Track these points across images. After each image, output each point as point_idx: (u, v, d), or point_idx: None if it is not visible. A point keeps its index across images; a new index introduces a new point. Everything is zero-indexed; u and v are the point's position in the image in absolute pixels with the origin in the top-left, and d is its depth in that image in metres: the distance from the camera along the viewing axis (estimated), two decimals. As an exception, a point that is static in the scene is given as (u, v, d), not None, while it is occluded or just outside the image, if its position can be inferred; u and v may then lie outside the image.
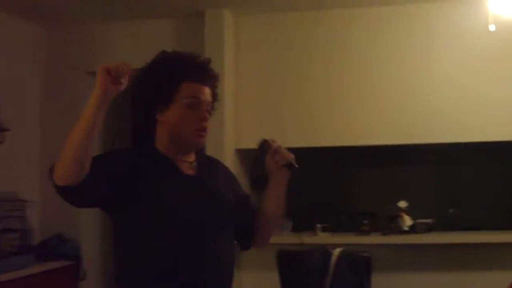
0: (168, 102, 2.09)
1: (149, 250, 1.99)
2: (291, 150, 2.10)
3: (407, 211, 4.60)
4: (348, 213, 5.30)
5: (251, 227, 2.21)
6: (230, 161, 4.66)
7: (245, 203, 2.24)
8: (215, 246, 2.05)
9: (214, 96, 2.19)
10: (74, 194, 1.86)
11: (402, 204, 4.57)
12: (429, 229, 4.60)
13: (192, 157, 2.19)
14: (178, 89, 2.09)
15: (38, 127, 5.20)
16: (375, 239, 4.53)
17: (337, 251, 3.92)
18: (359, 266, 3.83)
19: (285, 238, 4.72)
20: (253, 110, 5.01)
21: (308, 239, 4.66)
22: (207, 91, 2.15)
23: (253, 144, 2.12)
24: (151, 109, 2.11)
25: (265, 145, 2.10)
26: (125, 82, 1.85)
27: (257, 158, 2.12)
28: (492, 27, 3.90)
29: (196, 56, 2.20)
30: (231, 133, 4.88)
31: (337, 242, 4.33)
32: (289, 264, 3.88)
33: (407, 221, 4.55)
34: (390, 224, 4.66)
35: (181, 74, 2.11)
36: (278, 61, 5.04)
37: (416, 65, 4.81)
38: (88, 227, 5.18)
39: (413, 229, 4.56)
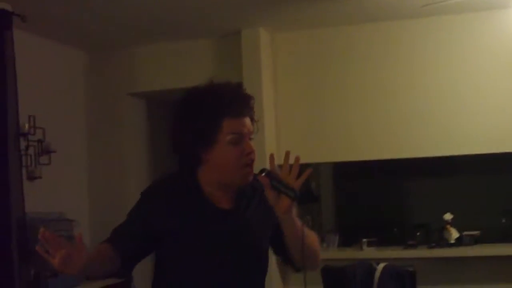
0: (212, 143, 2.05)
1: (171, 278, 2.14)
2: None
3: (453, 223, 4.53)
4: (400, 226, 5.21)
5: (287, 253, 2.14)
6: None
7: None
8: (233, 280, 2.09)
9: (253, 121, 2.13)
10: (130, 265, 2.24)
11: (448, 216, 4.51)
12: (475, 241, 4.52)
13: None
14: (220, 128, 2.04)
15: (85, 148, 5.35)
16: (420, 252, 4.48)
17: (381, 266, 3.87)
18: (403, 281, 3.77)
19: (331, 253, 4.75)
20: (293, 127, 5.02)
21: (353, 254, 4.66)
22: (247, 121, 2.09)
23: (293, 161, 1.99)
24: (194, 149, 2.07)
25: (265, 173, 1.95)
26: (80, 246, 1.90)
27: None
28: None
29: (229, 86, 2.12)
30: (273, 150, 4.87)
31: (382, 256, 4.31)
32: (334, 280, 3.85)
33: (453, 233, 4.49)
34: (437, 237, 4.60)
35: (220, 113, 2.04)
36: (316, 76, 5.06)
37: (451, 77, 4.77)
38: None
39: (459, 242, 4.49)
